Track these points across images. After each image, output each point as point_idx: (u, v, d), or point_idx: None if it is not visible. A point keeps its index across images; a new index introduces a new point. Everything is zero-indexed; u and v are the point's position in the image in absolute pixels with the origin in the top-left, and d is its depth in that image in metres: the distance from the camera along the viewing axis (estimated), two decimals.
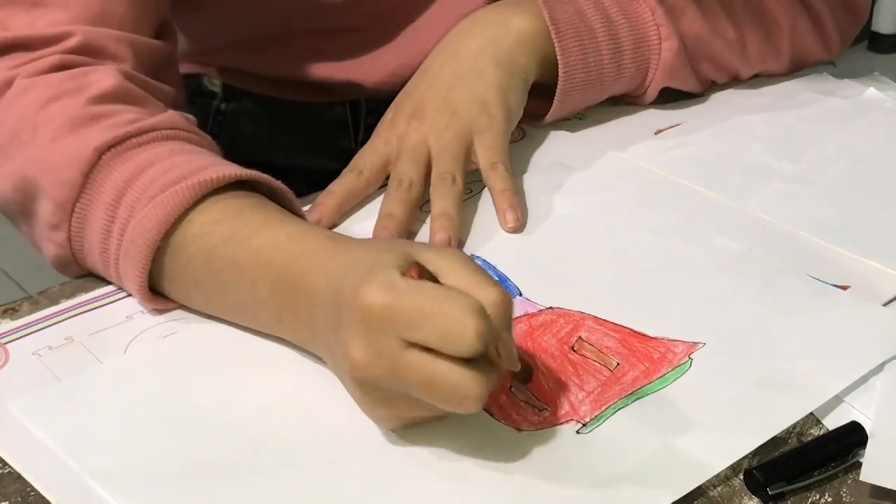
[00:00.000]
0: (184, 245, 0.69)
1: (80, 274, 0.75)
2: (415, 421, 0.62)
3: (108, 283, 0.74)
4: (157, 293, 0.71)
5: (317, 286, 0.63)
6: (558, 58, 0.88)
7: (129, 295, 0.73)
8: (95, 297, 0.73)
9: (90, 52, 0.76)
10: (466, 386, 0.57)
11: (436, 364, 0.57)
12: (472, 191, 0.84)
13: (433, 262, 0.61)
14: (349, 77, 1.00)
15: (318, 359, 0.68)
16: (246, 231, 0.68)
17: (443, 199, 0.79)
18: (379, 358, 0.58)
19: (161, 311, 0.72)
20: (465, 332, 0.56)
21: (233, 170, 0.70)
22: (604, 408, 0.64)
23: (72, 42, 0.75)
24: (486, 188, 0.84)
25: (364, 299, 0.58)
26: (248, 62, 1.05)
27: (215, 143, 0.77)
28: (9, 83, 0.74)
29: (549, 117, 0.91)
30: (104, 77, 0.74)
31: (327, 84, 1.01)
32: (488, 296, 0.59)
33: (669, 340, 0.69)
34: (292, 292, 0.65)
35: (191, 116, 0.78)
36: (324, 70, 1.01)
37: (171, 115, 0.75)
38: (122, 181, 0.70)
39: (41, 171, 0.71)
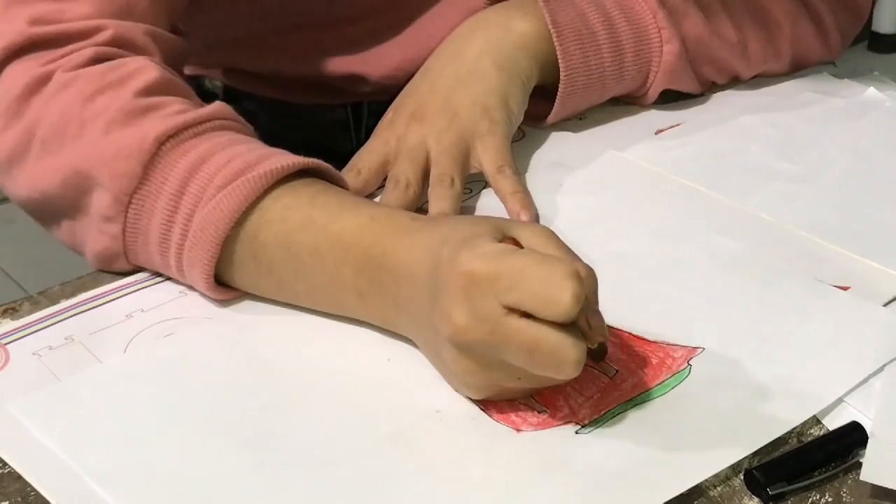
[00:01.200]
0: (256, 232, 0.70)
1: (123, 270, 0.75)
2: (507, 392, 0.64)
3: (108, 282, 0.74)
4: (220, 284, 0.72)
5: (407, 262, 0.65)
6: (559, 60, 0.88)
7: (129, 294, 0.73)
8: (95, 296, 0.73)
9: (122, 46, 0.76)
10: (566, 350, 0.59)
11: (536, 328, 0.59)
12: (471, 191, 0.84)
13: (524, 237, 0.64)
14: (353, 71, 1.00)
15: (319, 359, 0.68)
16: (324, 216, 0.69)
17: (441, 201, 0.79)
18: (480, 322, 0.60)
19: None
20: (562, 296, 0.58)
21: (296, 159, 0.71)
22: (603, 412, 0.64)
23: (104, 36, 0.76)
24: (485, 188, 0.84)
25: (465, 266, 0.61)
26: (250, 60, 1.05)
27: (255, 132, 0.78)
28: (45, 78, 0.74)
29: (551, 119, 0.91)
30: (146, 69, 0.75)
31: (331, 79, 1.01)
32: (579, 268, 0.61)
33: (668, 345, 0.69)
34: (379, 271, 0.67)
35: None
36: (327, 64, 1.01)
37: (220, 106, 0.76)
38: (184, 171, 0.71)
39: (96, 164, 0.71)
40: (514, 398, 0.64)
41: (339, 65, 1.00)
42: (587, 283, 0.61)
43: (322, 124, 1.08)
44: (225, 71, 1.08)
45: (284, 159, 0.71)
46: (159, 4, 0.79)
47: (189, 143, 0.72)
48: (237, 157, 0.71)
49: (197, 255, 0.70)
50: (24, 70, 0.75)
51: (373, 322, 0.69)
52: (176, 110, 0.73)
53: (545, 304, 0.58)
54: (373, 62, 0.99)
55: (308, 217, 0.70)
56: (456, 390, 0.65)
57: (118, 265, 0.75)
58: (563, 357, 0.59)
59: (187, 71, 1.09)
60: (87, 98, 0.73)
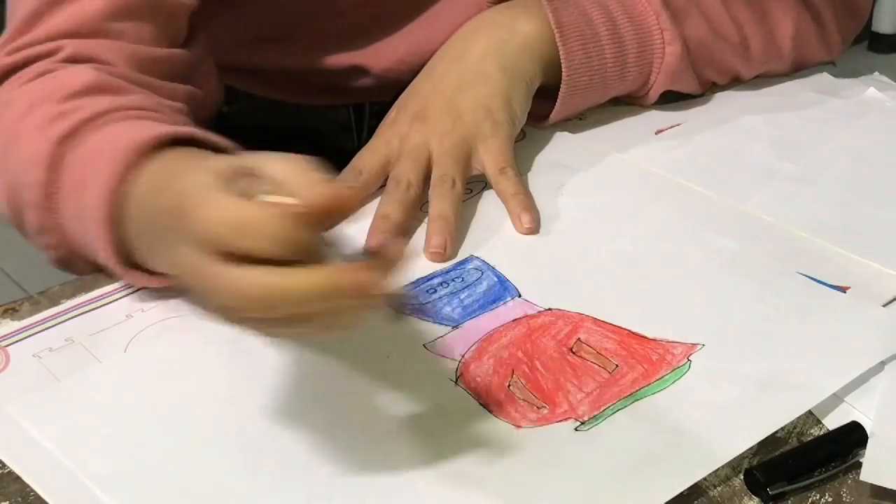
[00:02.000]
0: (137, 201, 0.66)
1: (89, 271, 0.75)
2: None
3: (108, 282, 0.74)
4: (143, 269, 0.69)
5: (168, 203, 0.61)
6: (562, 61, 0.88)
7: (129, 294, 0.73)
8: (95, 297, 0.73)
9: (79, 61, 0.76)
10: (292, 285, 0.54)
11: (261, 273, 0.54)
12: (471, 191, 0.84)
13: (266, 172, 0.58)
14: (356, 62, 1.00)
15: (318, 357, 0.68)
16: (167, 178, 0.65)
17: (441, 202, 0.79)
18: (196, 273, 0.56)
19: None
20: (276, 235, 0.54)
21: (165, 128, 0.68)
22: (602, 408, 0.64)
23: (61, 55, 0.76)
24: (486, 189, 0.84)
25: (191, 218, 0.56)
26: (254, 57, 1.04)
27: (189, 119, 0.75)
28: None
29: (552, 119, 0.91)
30: (79, 73, 0.74)
31: (332, 72, 1.01)
32: (309, 196, 0.56)
33: (668, 342, 0.69)
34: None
35: (183, 106, 0.77)
36: (330, 58, 1.00)
37: (141, 98, 0.73)
38: (79, 166, 0.69)
39: (20, 179, 0.72)
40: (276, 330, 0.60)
41: (342, 57, 1.00)
42: (321, 204, 0.55)
43: (324, 124, 1.08)
44: (225, 71, 1.08)
45: (152, 130, 0.67)
46: (143, 23, 0.79)
47: (85, 139, 0.70)
48: (121, 135, 0.68)
49: (97, 244, 0.68)
50: None
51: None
52: (91, 110, 0.71)
53: (258, 245, 0.54)
54: (376, 54, 0.99)
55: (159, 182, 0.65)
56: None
57: (81, 269, 0.74)
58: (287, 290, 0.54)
59: None
60: (22, 114, 0.73)
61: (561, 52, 0.88)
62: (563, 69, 0.88)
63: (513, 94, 0.86)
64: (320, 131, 1.08)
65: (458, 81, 0.86)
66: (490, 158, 0.83)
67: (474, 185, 0.84)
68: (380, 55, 0.99)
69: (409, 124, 0.84)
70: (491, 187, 0.83)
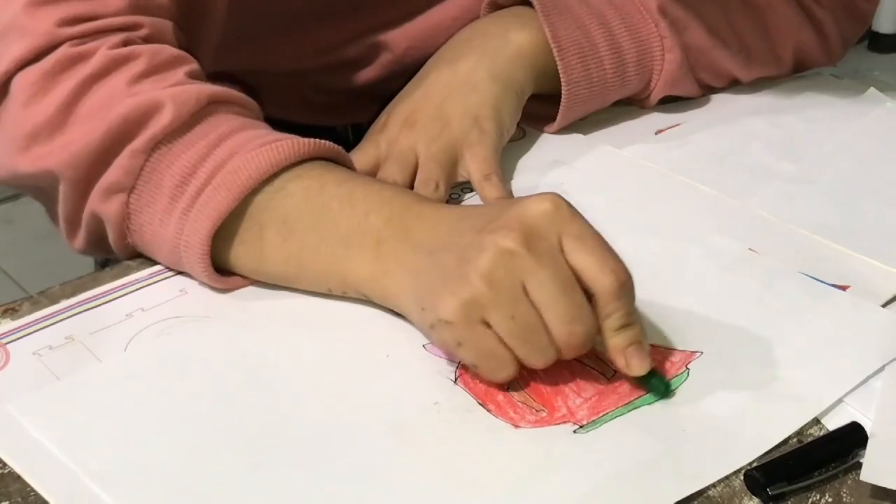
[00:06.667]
0: (283, 184, 0.71)
1: (117, 217, 0.73)
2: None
3: (110, 281, 0.74)
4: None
5: (439, 212, 0.69)
6: (561, 75, 0.88)
7: (129, 293, 0.73)
8: (95, 296, 0.73)
9: (155, 41, 0.77)
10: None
11: None
12: (472, 190, 0.84)
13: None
14: (359, 54, 1.00)
15: (317, 356, 0.68)
16: (364, 176, 0.73)
17: None
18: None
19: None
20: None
21: (333, 144, 0.74)
22: (601, 414, 0.64)
23: (140, 32, 0.76)
24: (471, 194, 0.84)
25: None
26: (253, 59, 1.04)
27: None
28: (81, 56, 0.73)
29: (552, 129, 0.91)
30: (189, 58, 0.76)
31: (337, 70, 1.01)
32: None
33: (666, 349, 0.69)
34: (408, 217, 0.69)
35: None
36: (334, 53, 1.01)
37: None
38: (226, 129, 0.72)
39: (145, 111, 0.71)
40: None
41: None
42: None
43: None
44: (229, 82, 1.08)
45: (321, 140, 0.73)
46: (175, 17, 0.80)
47: (236, 113, 0.74)
48: (277, 132, 0.73)
49: (220, 196, 0.69)
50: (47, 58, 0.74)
51: (361, 281, 0.70)
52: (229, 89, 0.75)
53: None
54: (379, 48, 0.99)
55: (347, 175, 0.72)
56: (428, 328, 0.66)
57: (115, 203, 0.73)
58: None
59: None
60: (133, 79, 0.73)
61: (559, 67, 0.88)
62: (563, 83, 0.88)
63: (502, 104, 0.86)
64: None
65: (449, 89, 0.86)
66: (475, 165, 0.83)
67: (463, 191, 0.84)
68: (382, 48, 0.99)
69: (398, 129, 0.85)
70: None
